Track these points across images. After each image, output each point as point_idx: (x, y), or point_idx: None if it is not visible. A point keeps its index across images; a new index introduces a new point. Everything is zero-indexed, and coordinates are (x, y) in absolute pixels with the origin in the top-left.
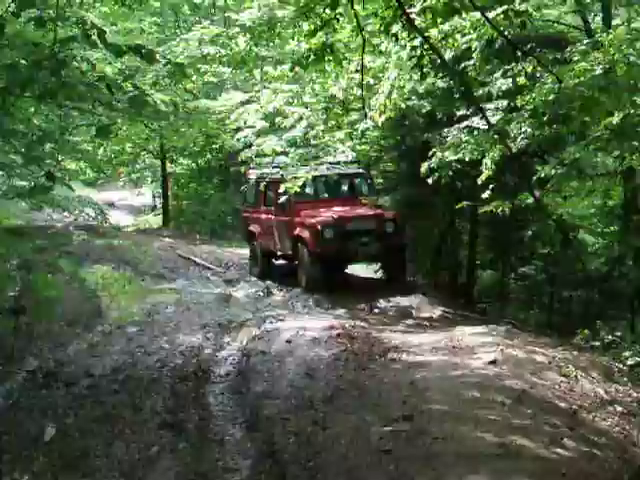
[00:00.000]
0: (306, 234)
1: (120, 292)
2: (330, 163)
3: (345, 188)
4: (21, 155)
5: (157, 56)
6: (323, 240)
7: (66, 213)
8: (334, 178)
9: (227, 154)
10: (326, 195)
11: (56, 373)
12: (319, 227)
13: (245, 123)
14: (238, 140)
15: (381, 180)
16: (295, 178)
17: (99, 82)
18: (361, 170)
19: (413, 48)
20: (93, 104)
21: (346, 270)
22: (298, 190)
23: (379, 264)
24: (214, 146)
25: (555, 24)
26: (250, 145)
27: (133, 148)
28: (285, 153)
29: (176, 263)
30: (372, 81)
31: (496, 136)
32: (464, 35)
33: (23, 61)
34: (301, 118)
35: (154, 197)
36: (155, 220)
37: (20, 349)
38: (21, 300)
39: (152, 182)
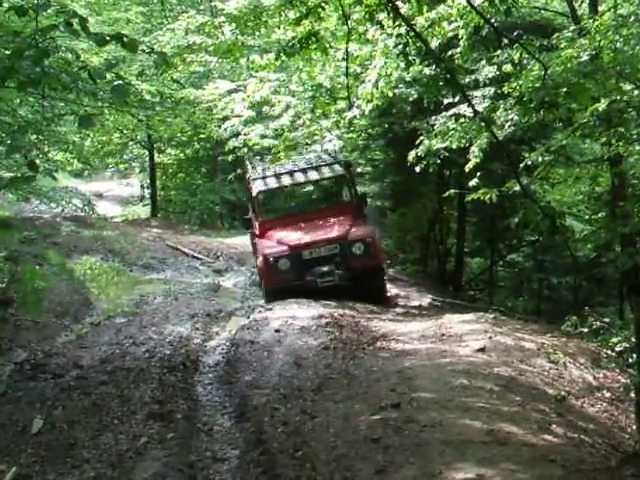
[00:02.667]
0: (261, 265)
1: (109, 283)
2: (307, 167)
3: (323, 196)
4: (5, 145)
5: (142, 45)
6: (277, 272)
7: (53, 204)
8: (309, 185)
9: (215, 144)
10: (301, 206)
11: (44, 365)
12: (271, 259)
13: (232, 112)
14: (225, 130)
15: (369, 168)
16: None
17: (82, 71)
18: (341, 172)
19: (399, 36)
20: (78, 94)
21: None
22: (265, 202)
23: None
24: (202, 136)
25: (542, 11)
26: (237, 134)
27: (120, 139)
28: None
29: (165, 253)
30: (359, 69)
31: (482, 124)
32: (451, 23)
33: (5, 51)
34: (288, 107)
35: (142, 187)
36: (143, 210)
37: (8, 341)
38: (9, 291)
39: (140, 172)
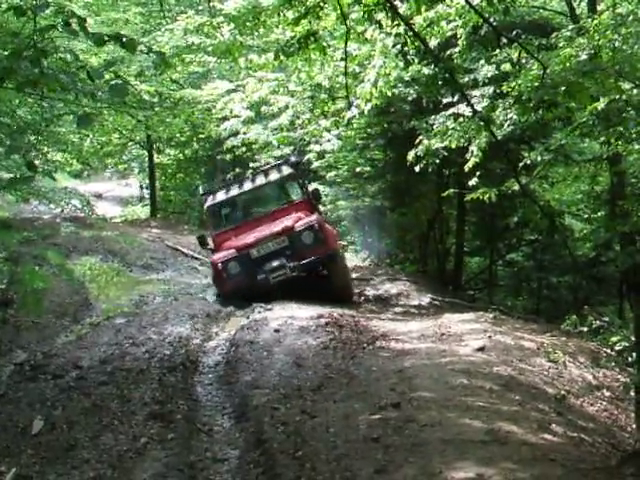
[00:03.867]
0: (212, 273)
1: (108, 283)
2: (254, 173)
3: (274, 199)
4: (4, 146)
5: (140, 46)
6: (229, 277)
7: (52, 205)
8: (258, 192)
9: (214, 144)
10: (254, 213)
11: (44, 365)
12: (220, 264)
13: (231, 112)
14: (224, 129)
15: (368, 168)
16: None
17: (80, 71)
18: (289, 171)
19: (397, 35)
20: (77, 95)
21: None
22: (216, 216)
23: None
24: (201, 136)
25: (540, 10)
26: (236, 134)
27: (119, 139)
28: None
29: (164, 254)
30: (358, 69)
31: (481, 123)
32: (449, 22)
33: (4, 52)
34: (287, 107)
35: (141, 188)
36: (143, 211)
37: (8, 342)
38: (8, 292)
39: (139, 173)
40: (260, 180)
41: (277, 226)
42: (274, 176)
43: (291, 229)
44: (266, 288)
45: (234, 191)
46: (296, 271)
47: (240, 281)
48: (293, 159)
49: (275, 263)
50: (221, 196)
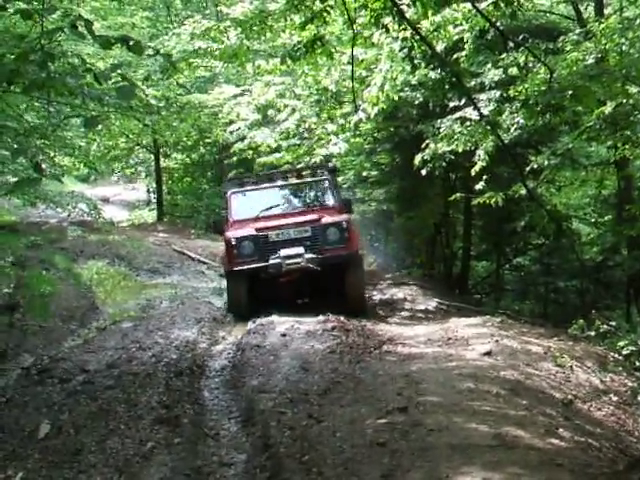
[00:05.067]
0: (223, 251)
1: (115, 287)
2: (288, 171)
3: (304, 201)
4: (11, 149)
5: (148, 50)
6: (240, 255)
7: (60, 209)
8: (288, 190)
9: (221, 148)
10: (280, 209)
11: (51, 369)
12: (233, 240)
13: (238, 116)
14: (231, 133)
15: (375, 172)
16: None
17: (87, 73)
18: (323, 176)
19: (404, 40)
20: (84, 99)
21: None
22: (238, 203)
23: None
24: (207, 140)
25: (547, 14)
26: (243, 138)
27: (126, 143)
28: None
29: (171, 258)
30: (365, 73)
31: (488, 127)
32: (456, 26)
33: (11, 55)
34: (294, 110)
35: (148, 192)
36: (150, 215)
37: (14, 346)
38: (15, 296)
39: (146, 177)
40: (293, 179)
41: (302, 217)
42: (308, 178)
43: (317, 221)
44: (277, 274)
45: (264, 184)
46: (312, 264)
47: (251, 262)
48: (331, 165)
49: (292, 250)
50: (249, 185)
